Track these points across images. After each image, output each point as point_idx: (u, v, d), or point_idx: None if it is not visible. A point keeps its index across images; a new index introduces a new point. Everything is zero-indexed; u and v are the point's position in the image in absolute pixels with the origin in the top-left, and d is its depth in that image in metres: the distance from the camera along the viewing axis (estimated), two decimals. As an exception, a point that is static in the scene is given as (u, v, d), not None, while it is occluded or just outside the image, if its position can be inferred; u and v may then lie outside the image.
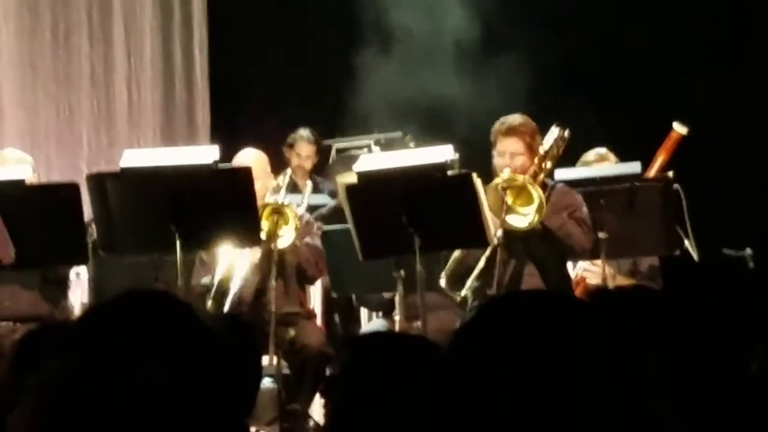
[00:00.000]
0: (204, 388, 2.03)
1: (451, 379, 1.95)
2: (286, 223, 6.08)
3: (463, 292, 5.89)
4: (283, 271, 6.27)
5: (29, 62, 8.87)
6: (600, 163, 6.55)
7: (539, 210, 5.77)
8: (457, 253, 6.04)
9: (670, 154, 6.71)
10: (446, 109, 8.02)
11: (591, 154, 6.53)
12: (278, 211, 6.07)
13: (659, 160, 6.71)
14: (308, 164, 7.88)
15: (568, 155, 6.46)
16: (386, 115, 8.18)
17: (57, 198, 5.87)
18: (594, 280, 6.14)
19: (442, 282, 5.92)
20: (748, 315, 2.63)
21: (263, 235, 6.06)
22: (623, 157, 6.69)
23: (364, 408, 2.49)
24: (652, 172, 6.60)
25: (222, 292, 6.17)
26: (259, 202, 6.02)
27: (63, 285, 6.38)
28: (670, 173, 6.24)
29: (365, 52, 8.53)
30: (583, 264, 6.19)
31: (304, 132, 7.96)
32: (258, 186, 6.05)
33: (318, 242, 6.33)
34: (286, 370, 6.15)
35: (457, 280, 5.99)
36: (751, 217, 7.21)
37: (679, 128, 6.73)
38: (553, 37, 8.36)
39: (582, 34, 8.50)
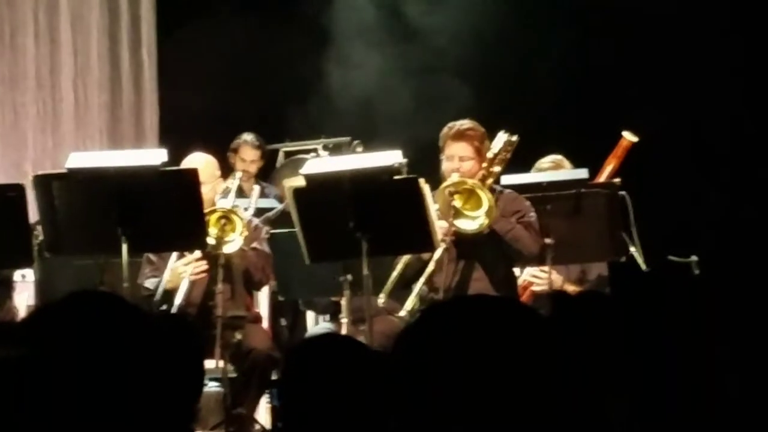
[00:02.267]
0: (147, 389, 1.99)
1: (393, 382, 1.91)
2: (234, 229, 6.05)
3: (409, 306, 5.84)
4: (230, 275, 6.22)
5: None
6: (555, 170, 6.58)
7: (488, 213, 5.79)
8: (395, 273, 5.99)
9: (621, 161, 6.76)
10: (393, 115, 7.99)
11: (546, 161, 6.54)
12: (226, 216, 6.04)
13: (609, 167, 6.76)
14: (253, 168, 7.84)
15: (523, 162, 6.50)
16: (334, 119, 8.16)
17: (2, 199, 5.77)
18: (540, 287, 6.10)
19: (381, 300, 5.90)
20: (694, 320, 2.59)
21: (212, 240, 6.00)
22: (575, 164, 6.66)
23: (310, 410, 2.56)
24: (602, 178, 6.64)
25: (169, 293, 6.14)
26: (208, 206, 6.02)
27: (8, 287, 6.28)
28: (617, 180, 6.26)
29: (313, 56, 8.49)
30: (530, 270, 6.17)
31: (248, 136, 7.93)
32: (206, 190, 6.08)
33: (266, 247, 6.30)
34: (232, 374, 6.06)
35: (399, 292, 5.96)
36: (697, 224, 7.24)
37: (629, 136, 6.78)
38: (502, 44, 8.41)
39: (532, 44, 8.54)
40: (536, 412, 1.81)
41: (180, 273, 6.22)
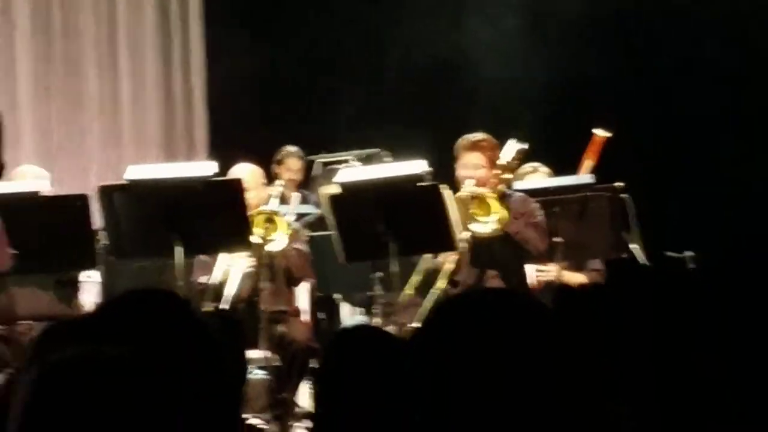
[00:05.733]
0: (198, 377, 1.94)
1: (413, 371, 1.93)
2: (277, 229, 6.10)
3: (432, 295, 5.86)
4: (273, 273, 6.31)
5: (45, 86, 8.89)
6: (532, 175, 6.59)
7: (500, 220, 5.80)
8: (421, 267, 6.03)
9: (597, 157, 6.75)
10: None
11: (525, 167, 6.54)
12: (270, 218, 6.10)
13: (586, 163, 6.77)
14: (298, 177, 7.90)
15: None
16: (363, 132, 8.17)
17: (68, 208, 5.91)
18: (546, 278, 6.16)
19: (408, 295, 5.93)
20: (689, 314, 2.40)
21: (257, 240, 6.07)
22: (553, 165, 6.70)
23: (347, 396, 2.49)
24: (581, 173, 6.64)
25: (218, 291, 6.21)
26: (254, 211, 6.06)
27: (74, 287, 6.37)
28: (619, 184, 6.21)
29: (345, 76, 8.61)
30: (532, 266, 6.23)
31: (292, 148, 7.98)
32: (251, 196, 6.08)
33: (305, 248, 6.38)
34: (276, 363, 6.15)
35: (423, 288, 6.01)
36: (693, 222, 7.15)
37: (601, 133, 6.79)
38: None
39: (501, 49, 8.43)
40: (541, 400, 1.78)
41: (229, 271, 6.23)
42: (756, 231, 7.02)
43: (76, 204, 5.88)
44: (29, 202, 5.83)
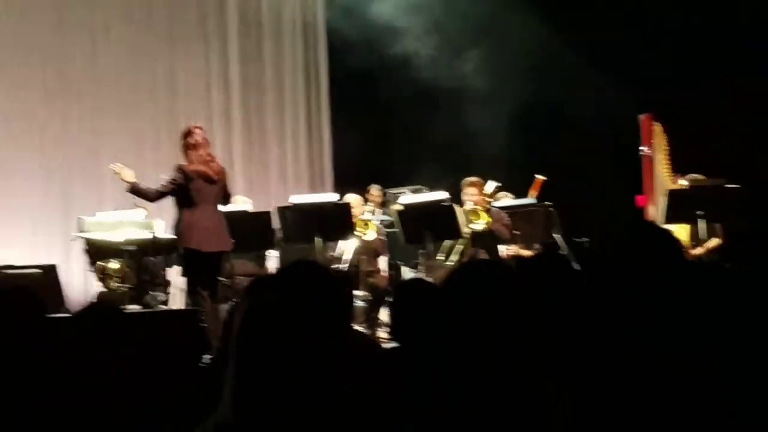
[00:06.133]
0: (334, 306, 2.07)
1: (444, 304, 1.97)
2: (368, 228, 6.83)
3: (451, 261, 6.27)
4: (367, 251, 6.85)
5: (248, 140, 8.88)
6: (503, 198, 6.86)
7: (486, 222, 6.43)
8: (445, 246, 6.37)
9: (539, 191, 7.02)
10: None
11: (499, 194, 6.80)
12: (366, 222, 6.79)
13: (530, 192, 7.00)
14: (379, 200, 8.10)
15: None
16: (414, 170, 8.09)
17: (260, 217, 6.50)
18: (509, 253, 6.43)
19: (440, 259, 6.29)
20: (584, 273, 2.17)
21: (360, 234, 6.62)
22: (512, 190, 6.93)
23: (406, 316, 2.59)
24: (528, 197, 6.81)
25: (339, 260, 6.64)
26: (356, 219, 6.64)
27: (263, 258, 6.83)
28: (548, 202, 6.71)
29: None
30: (503, 247, 6.51)
31: (375, 185, 8.20)
32: (356, 212, 6.69)
33: (383, 237, 6.92)
34: (369, 298, 6.55)
35: (447, 257, 6.34)
36: (588, 221, 6.49)
37: (539, 177, 6.97)
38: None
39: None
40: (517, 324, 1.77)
41: (344, 250, 6.69)
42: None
43: (264, 216, 6.51)
44: (242, 215, 6.37)
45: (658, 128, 6.10)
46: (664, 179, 5.99)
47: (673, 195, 5.75)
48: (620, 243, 2.04)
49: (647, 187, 6.24)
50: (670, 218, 5.64)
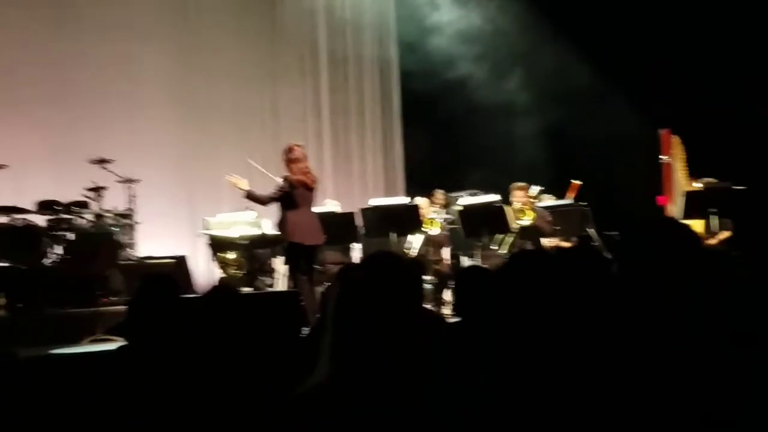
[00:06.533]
0: (408, 288, 1.99)
1: (497, 286, 1.96)
2: (434, 225, 6.71)
3: (503, 249, 6.31)
4: (433, 243, 6.79)
5: (339, 143, 8.83)
6: (545, 199, 6.81)
7: (532, 219, 6.41)
8: (498, 239, 6.35)
9: (576, 193, 6.85)
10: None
11: (542, 196, 6.78)
12: (431, 221, 6.69)
13: (568, 194, 6.88)
14: (443, 202, 7.62)
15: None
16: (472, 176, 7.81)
17: (345, 217, 6.47)
18: (550, 245, 6.34)
19: (495, 249, 6.22)
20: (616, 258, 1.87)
21: (427, 229, 6.53)
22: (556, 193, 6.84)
23: (467, 295, 2.53)
24: (566, 199, 6.77)
25: (410, 250, 6.65)
26: (424, 217, 6.60)
27: (349, 250, 6.74)
28: (582, 203, 6.61)
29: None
30: (545, 240, 6.46)
31: (439, 190, 7.77)
32: (423, 212, 6.62)
33: (447, 232, 6.83)
34: (435, 281, 6.51)
35: (500, 248, 6.32)
36: (617, 219, 5.58)
37: (576, 182, 6.81)
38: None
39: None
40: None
41: (413, 242, 6.60)
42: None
43: (350, 216, 6.46)
44: (331, 215, 6.34)
45: (676, 140, 6.09)
46: (681, 182, 6.03)
47: (690, 195, 5.84)
48: (645, 236, 1.90)
49: (667, 189, 6.26)
50: (688, 215, 5.68)
